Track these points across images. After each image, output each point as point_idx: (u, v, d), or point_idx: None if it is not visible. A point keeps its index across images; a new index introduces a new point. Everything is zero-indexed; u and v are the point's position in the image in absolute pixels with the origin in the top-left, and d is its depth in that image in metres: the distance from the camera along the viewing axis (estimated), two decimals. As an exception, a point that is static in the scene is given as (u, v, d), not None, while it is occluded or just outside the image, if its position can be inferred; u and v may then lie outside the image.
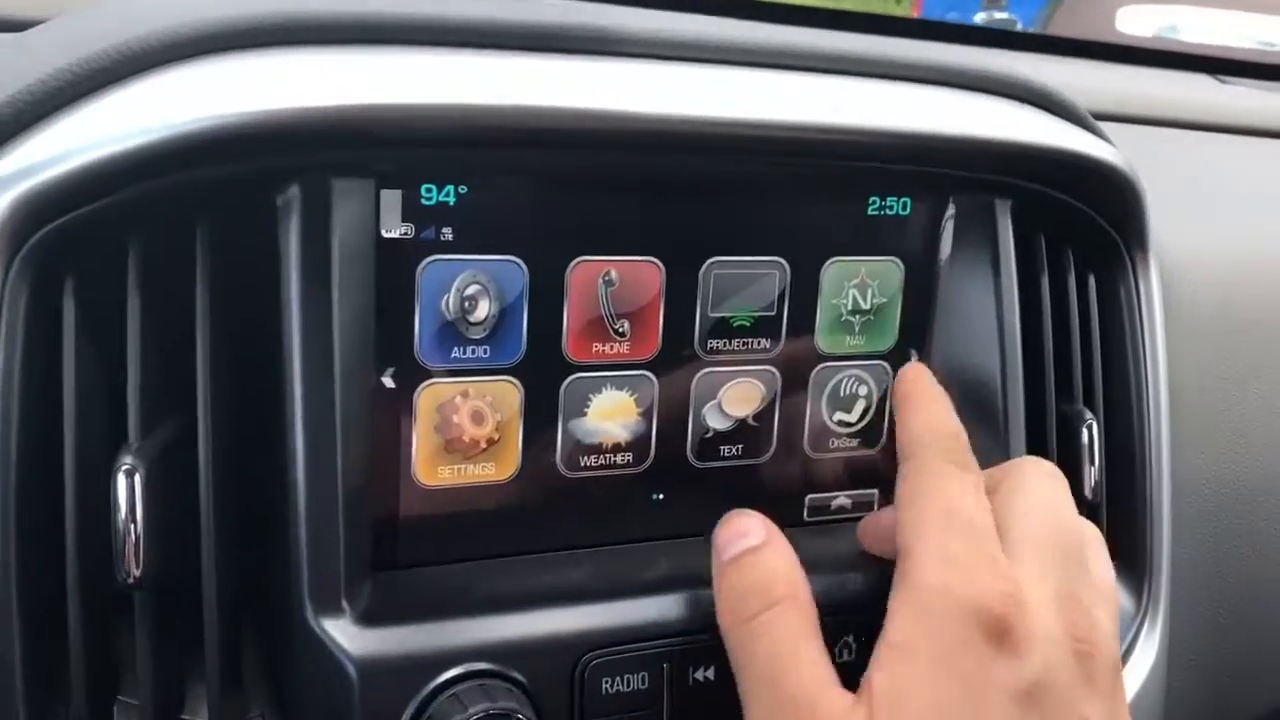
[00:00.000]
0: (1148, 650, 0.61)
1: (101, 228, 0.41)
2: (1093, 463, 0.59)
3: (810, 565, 0.47)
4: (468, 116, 0.44)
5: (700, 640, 0.47)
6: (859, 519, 0.55)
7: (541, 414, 0.50)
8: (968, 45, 1.15)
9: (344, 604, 0.43)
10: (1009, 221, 0.56)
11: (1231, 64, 1.21)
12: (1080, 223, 0.59)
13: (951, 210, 0.55)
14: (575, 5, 0.51)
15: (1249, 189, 0.88)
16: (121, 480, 0.41)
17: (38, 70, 0.41)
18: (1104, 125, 0.93)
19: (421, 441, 0.48)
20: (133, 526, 0.41)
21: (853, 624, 0.49)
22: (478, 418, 0.49)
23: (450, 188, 0.46)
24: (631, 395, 0.51)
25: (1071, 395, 0.59)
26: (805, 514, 0.56)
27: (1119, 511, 0.61)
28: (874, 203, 0.54)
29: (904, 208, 0.55)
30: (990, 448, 0.55)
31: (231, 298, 0.44)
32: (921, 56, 0.54)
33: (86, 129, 0.40)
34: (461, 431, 0.49)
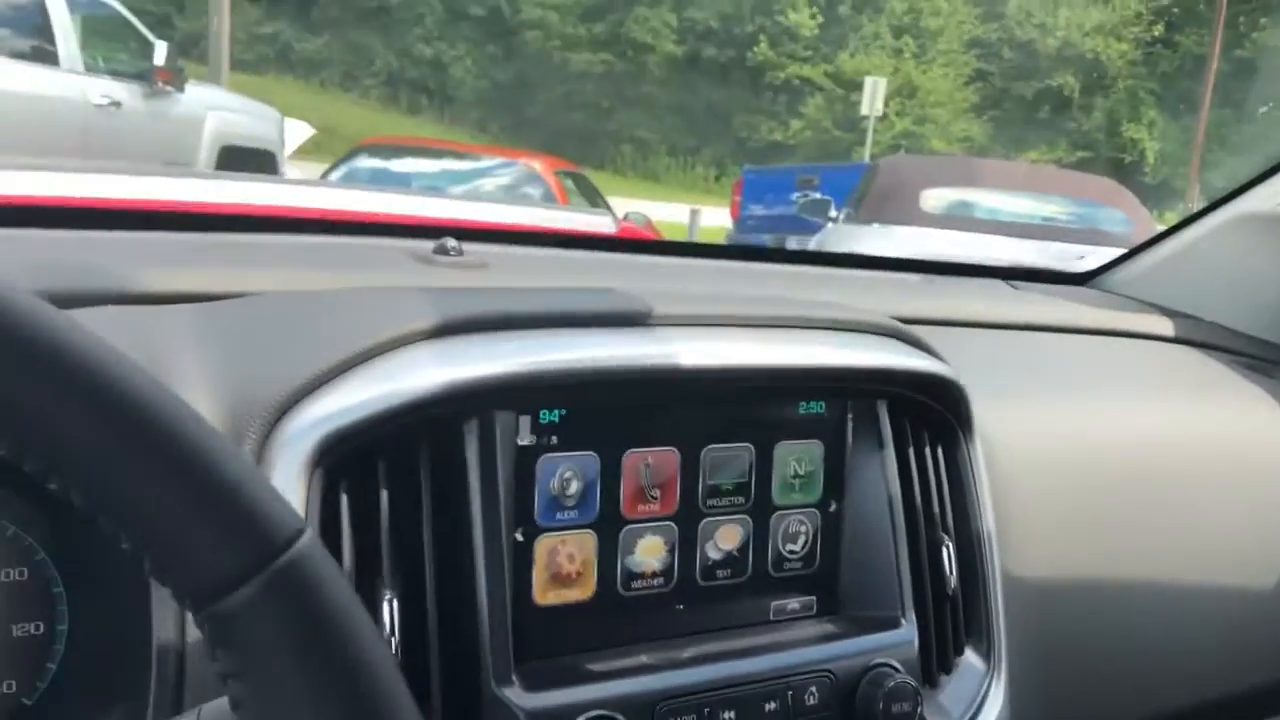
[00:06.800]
0: (996, 696, 0.90)
1: (359, 452, 0.67)
2: (951, 571, 0.89)
3: (783, 646, 0.75)
4: (575, 373, 0.72)
5: (721, 694, 0.74)
6: (806, 617, 0.83)
7: (609, 554, 0.77)
8: (815, 266, 1.50)
9: (514, 679, 0.68)
10: (887, 415, 0.87)
11: (1016, 271, 1.59)
12: (931, 412, 0.91)
13: (850, 409, 0.86)
14: (622, 294, 0.81)
15: (1042, 377, 1.22)
16: (384, 605, 0.66)
17: (323, 355, 0.67)
18: (933, 329, 1.26)
19: (538, 575, 0.74)
20: (389, 638, 0.65)
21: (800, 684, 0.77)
22: (570, 558, 0.76)
23: (558, 411, 0.74)
24: (662, 539, 0.79)
25: (934, 527, 0.89)
26: (771, 615, 0.84)
27: (970, 602, 0.91)
28: (802, 406, 0.84)
29: (820, 408, 0.85)
30: (885, 565, 0.85)
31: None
32: (824, 313, 0.86)
33: (356, 395, 0.67)
34: (561, 568, 0.75)
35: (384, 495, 0.68)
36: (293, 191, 1.30)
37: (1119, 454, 1.11)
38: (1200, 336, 1.42)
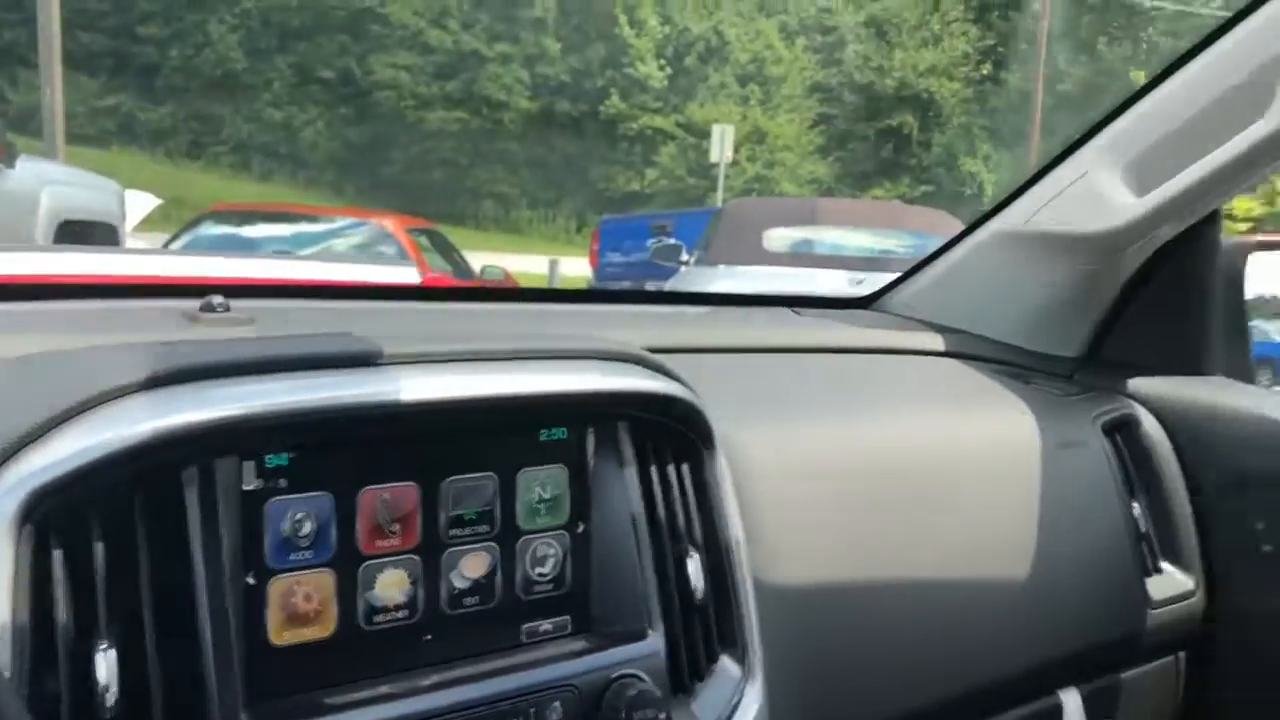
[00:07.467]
0: (752, 700, 0.94)
1: (73, 506, 0.68)
2: (699, 582, 0.93)
3: (529, 665, 0.78)
4: (295, 416, 0.74)
5: (462, 717, 0.77)
6: (558, 637, 0.86)
7: (348, 591, 0.78)
8: (611, 304, 1.56)
9: (242, 718, 0.69)
10: (628, 437, 0.91)
11: (802, 299, 1.67)
12: (673, 432, 0.95)
13: (591, 433, 0.90)
14: (349, 338, 0.83)
15: (810, 396, 1.29)
16: (99, 657, 0.66)
17: (31, 414, 0.68)
18: (712, 356, 1.31)
19: (273, 615, 0.75)
20: (104, 689, 0.66)
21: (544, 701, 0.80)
22: (308, 598, 0.77)
23: (285, 455, 0.75)
24: (405, 572, 0.81)
25: (679, 539, 0.94)
26: (523, 638, 0.87)
27: (721, 610, 0.95)
28: (543, 433, 0.88)
29: (562, 434, 0.89)
30: (632, 579, 0.89)
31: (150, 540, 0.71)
32: (561, 344, 0.90)
33: (63, 450, 0.67)
34: (298, 608, 0.76)
35: (98, 548, 0.69)
36: (57, 259, 1.29)
37: (878, 464, 1.18)
38: (965, 349, 1.52)
